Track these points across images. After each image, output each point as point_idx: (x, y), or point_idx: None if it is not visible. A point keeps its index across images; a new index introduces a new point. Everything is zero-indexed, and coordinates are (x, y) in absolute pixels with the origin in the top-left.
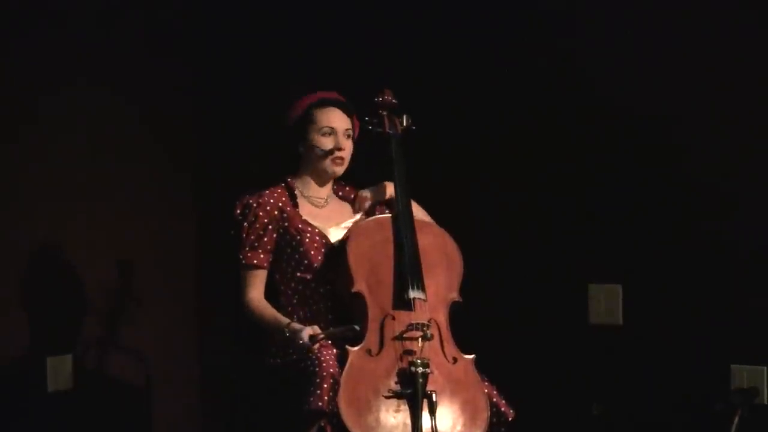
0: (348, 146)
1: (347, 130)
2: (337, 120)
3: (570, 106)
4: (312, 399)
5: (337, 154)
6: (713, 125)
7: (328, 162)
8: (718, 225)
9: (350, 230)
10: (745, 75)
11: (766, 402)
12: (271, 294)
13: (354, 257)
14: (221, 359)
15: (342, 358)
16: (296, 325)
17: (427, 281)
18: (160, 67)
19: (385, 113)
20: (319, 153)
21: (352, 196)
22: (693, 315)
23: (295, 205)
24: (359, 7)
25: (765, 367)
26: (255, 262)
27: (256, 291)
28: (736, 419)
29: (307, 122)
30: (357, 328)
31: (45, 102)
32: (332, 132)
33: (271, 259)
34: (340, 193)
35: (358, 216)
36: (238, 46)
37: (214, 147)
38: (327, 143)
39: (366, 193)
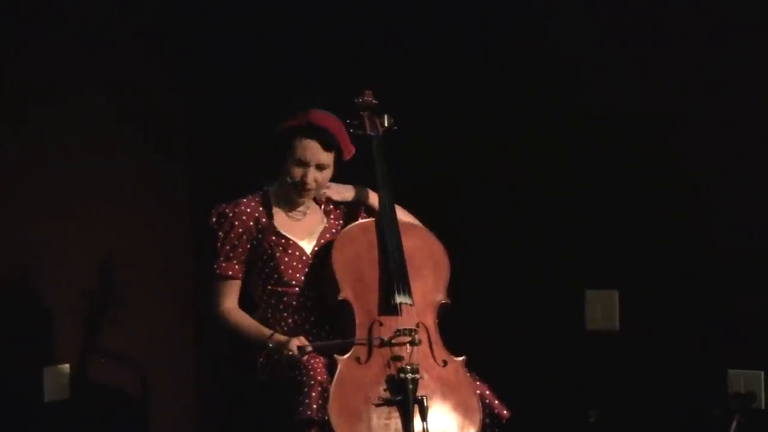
0: (319, 177)
1: (321, 164)
2: (312, 154)
3: (568, 111)
4: (301, 409)
5: (302, 188)
6: (710, 130)
7: (294, 191)
8: (714, 231)
9: (335, 237)
10: (742, 78)
11: (763, 407)
12: (245, 306)
13: (339, 265)
14: (218, 366)
15: (330, 367)
16: (281, 337)
17: (413, 284)
18: (155, 66)
19: (365, 114)
20: (287, 180)
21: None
22: (690, 320)
23: (270, 216)
24: (351, 6)
25: (762, 372)
26: (230, 273)
27: (231, 301)
28: (734, 424)
29: (287, 145)
30: (363, 340)
31: (39, 105)
32: (303, 164)
33: (245, 270)
34: (321, 205)
35: (325, 222)
36: (234, 45)
37: (210, 149)
38: (296, 174)
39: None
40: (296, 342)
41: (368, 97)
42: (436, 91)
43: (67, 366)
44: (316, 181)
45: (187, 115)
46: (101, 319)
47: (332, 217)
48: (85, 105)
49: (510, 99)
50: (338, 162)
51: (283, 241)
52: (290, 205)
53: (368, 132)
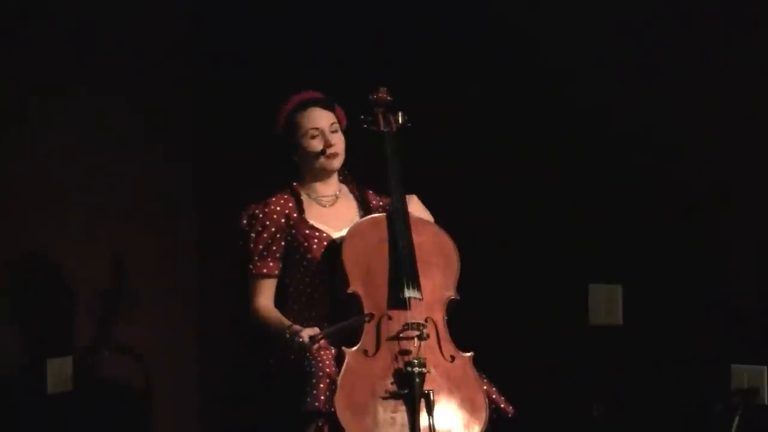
0: (337, 140)
1: (332, 124)
2: (319, 119)
3: (572, 106)
4: (308, 399)
5: (329, 151)
6: (712, 123)
7: (322, 161)
8: (717, 224)
9: (346, 231)
10: (742, 76)
11: (766, 402)
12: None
13: (349, 258)
14: (221, 360)
15: (339, 359)
16: (296, 327)
17: (423, 280)
18: (158, 64)
19: (379, 111)
20: (312, 156)
21: (374, 201)
22: (693, 315)
23: (302, 211)
24: (360, 4)
25: (765, 367)
26: (265, 271)
27: (264, 298)
28: (737, 419)
29: (292, 130)
30: (366, 318)
31: (42, 102)
32: (318, 132)
33: (281, 266)
34: (356, 193)
35: (361, 213)
36: (241, 46)
37: (215, 149)
38: (316, 145)
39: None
40: (308, 331)
41: (382, 94)
42: (444, 89)
43: (70, 358)
44: (337, 144)
45: (192, 114)
46: (105, 311)
47: (372, 207)
48: (87, 103)
49: (515, 95)
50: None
51: (317, 234)
52: (319, 191)
53: (381, 128)
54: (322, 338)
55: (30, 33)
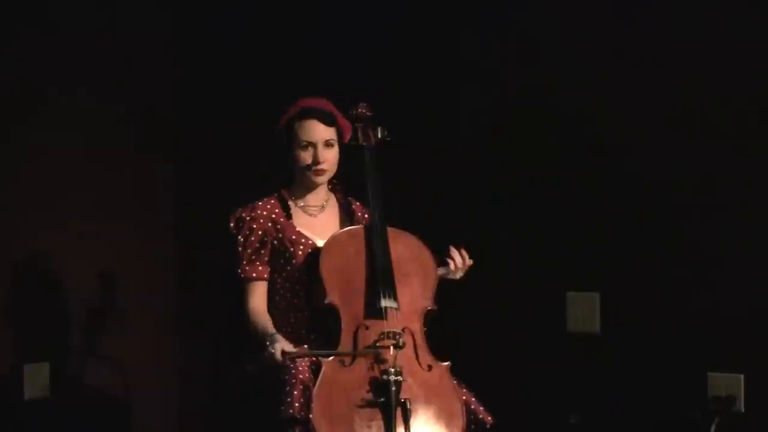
0: (329, 156)
1: (328, 140)
2: (315, 133)
3: (548, 116)
4: (283, 407)
5: (315, 167)
6: (688, 136)
7: (310, 174)
8: (695, 233)
9: (325, 243)
10: (721, 85)
11: (743, 410)
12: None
13: (326, 269)
14: (200, 367)
15: (315, 368)
16: (277, 336)
17: (401, 290)
18: (141, 69)
19: (359, 126)
20: (299, 167)
21: (359, 213)
22: (670, 323)
23: (289, 217)
24: (348, 13)
25: (742, 375)
26: (254, 275)
27: (256, 301)
28: (714, 427)
29: (289, 136)
30: (347, 353)
31: (26, 111)
32: (311, 145)
33: (270, 270)
34: (343, 203)
35: (347, 223)
36: (226, 50)
37: (197, 155)
38: (306, 158)
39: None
40: (284, 346)
41: (362, 109)
42: (420, 100)
43: (47, 364)
44: (327, 160)
45: (174, 125)
46: (82, 316)
47: (356, 219)
48: (72, 113)
49: (492, 105)
50: (340, 144)
51: (303, 240)
52: (307, 200)
53: (361, 143)
54: (294, 357)
55: (26, 36)
